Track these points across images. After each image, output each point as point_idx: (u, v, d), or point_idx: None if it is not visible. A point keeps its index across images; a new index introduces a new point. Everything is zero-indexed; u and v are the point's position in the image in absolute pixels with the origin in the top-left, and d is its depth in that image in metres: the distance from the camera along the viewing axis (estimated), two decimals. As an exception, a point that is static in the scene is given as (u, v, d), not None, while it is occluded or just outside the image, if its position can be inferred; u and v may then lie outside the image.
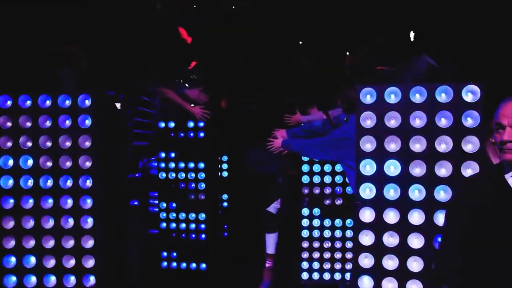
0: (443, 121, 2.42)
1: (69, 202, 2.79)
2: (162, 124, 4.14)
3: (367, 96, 2.45)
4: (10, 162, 2.82)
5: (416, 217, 2.45)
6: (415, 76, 2.80)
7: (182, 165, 4.12)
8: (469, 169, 2.40)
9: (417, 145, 2.45)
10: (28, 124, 2.80)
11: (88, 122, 2.77)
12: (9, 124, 2.81)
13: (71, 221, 2.80)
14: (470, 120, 2.40)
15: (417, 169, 2.46)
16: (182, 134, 4.09)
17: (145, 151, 4.63)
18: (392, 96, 2.43)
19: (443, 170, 2.44)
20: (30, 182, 2.81)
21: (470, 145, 2.41)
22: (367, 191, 2.49)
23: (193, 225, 4.11)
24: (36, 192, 2.80)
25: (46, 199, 2.80)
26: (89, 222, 2.79)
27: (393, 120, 2.46)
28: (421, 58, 2.77)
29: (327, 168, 4.03)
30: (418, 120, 2.44)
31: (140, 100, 4.76)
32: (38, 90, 2.81)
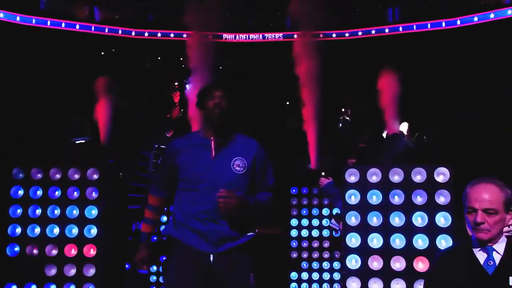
0: (419, 199, 2.74)
1: (72, 272, 2.93)
2: None
3: (352, 176, 2.76)
4: (18, 230, 2.99)
5: (398, 287, 2.69)
6: (393, 154, 3.12)
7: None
8: (443, 241, 2.69)
9: (397, 219, 2.74)
10: (39, 193, 3.01)
11: (95, 194, 2.99)
12: (20, 193, 3.01)
13: (73, 288, 2.93)
14: (442, 198, 2.72)
15: (398, 241, 2.73)
16: None
17: (137, 214, 4.78)
18: (374, 176, 2.75)
19: (420, 242, 2.71)
20: (35, 251, 2.97)
21: (443, 220, 2.71)
22: (353, 261, 2.73)
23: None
24: (42, 261, 2.94)
25: (51, 268, 2.94)
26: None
27: (374, 197, 2.76)
28: (399, 138, 3.12)
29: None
30: (397, 198, 2.75)
31: (136, 165, 5.00)
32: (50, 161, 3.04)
